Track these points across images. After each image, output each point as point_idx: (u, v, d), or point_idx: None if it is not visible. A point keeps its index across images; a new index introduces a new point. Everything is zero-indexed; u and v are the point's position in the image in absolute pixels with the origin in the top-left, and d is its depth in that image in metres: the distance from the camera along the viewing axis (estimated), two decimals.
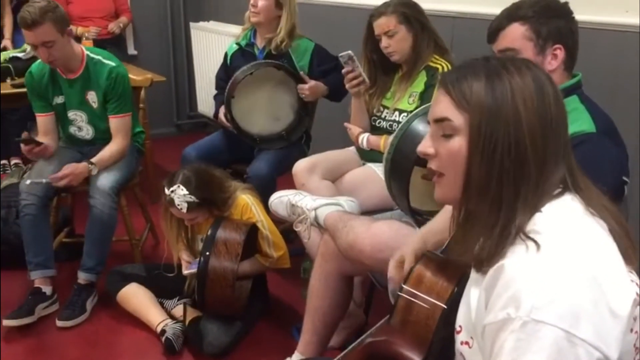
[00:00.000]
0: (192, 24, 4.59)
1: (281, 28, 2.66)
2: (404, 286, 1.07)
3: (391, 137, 1.77)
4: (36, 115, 2.64)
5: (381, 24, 2.19)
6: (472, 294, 0.96)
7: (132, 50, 4.64)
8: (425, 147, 0.99)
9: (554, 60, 1.50)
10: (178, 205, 2.18)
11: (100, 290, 2.51)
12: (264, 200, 2.25)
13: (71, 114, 2.60)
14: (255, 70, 2.57)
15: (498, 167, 0.90)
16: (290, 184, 2.32)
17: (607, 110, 1.55)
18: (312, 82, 2.62)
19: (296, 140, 2.76)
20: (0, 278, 2.63)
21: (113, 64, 2.56)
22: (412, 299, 1.05)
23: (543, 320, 0.82)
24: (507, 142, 0.89)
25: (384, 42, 2.20)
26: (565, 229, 0.90)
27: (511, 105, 0.89)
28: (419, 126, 1.68)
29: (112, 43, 4.09)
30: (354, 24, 2.91)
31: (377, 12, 2.21)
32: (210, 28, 4.35)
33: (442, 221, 1.41)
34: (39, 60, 2.56)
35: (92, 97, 2.56)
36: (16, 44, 3.86)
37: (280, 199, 2.04)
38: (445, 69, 2.18)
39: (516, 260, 0.87)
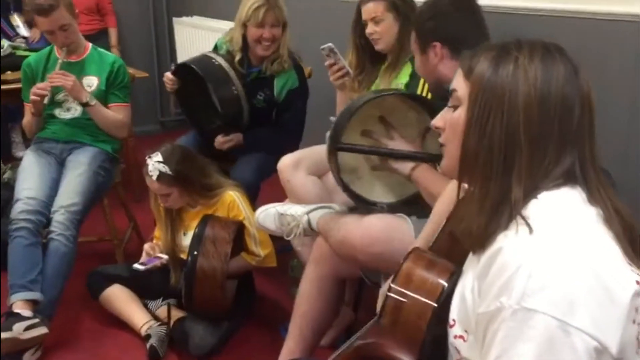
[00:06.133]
0: (175, 19, 4.52)
1: (281, 49, 2.54)
2: (392, 285, 1.02)
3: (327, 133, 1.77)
4: (25, 105, 2.62)
5: (369, 9, 2.15)
6: (467, 284, 0.93)
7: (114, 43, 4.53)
8: (435, 120, 1.01)
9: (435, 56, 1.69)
10: (150, 172, 2.15)
11: (82, 291, 2.44)
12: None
13: (62, 95, 2.55)
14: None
15: (489, 137, 0.89)
16: (274, 188, 2.26)
17: (604, 102, 1.51)
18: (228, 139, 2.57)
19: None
20: None
21: (114, 56, 2.69)
22: (402, 299, 1.01)
23: (534, 308, 0.79)
24: (499, 114, 0.88)
25: (369, 28, 2.16)
26: (562, 215, 0.87)
27: (510, 80, 0.89)
28: (344, 114, 1.67)
29: (94, 38, 4.00)
30: (338, 16, 2.87)
31: None
32: (193, 23, 4.29)
33: (437, 221, 1.37)
34: (34, 54, 2.65)
35: (88, 82, 2.57)
36: None
37: (267, 211, 2.00)
38: None
39: (509, 246, 0.85)
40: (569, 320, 0.78)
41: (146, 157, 2.20)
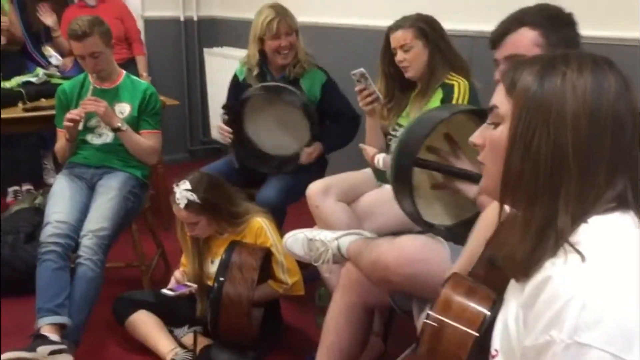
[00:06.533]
0: (205, 50, 4.59)
1: (299, 54, 2.63)
2: (430, 312, 0.98)
3: (392, 146, 1.70)
4: (59, 131, 2.66)
5: (397, 37, 2.14)
6: (510, 313, 0.87)
7: (141, 72, 4.61)
8: (474, 137, 0.96)
9: None
10: (177, 200, 2.14)
11: (109, 316, 2.43)
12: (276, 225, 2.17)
13: (94, 121, 2.59)
14: (269, 93, 2.53)
15: (534, 156, 0.84)
16: (302, 214, 2.23)
17: None
18: (309, 151, 2.61)
19: (307, 169, 2.66)
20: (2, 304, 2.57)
21: (147, 83, 2.75)
22: (440, 327, 0.96)
23: (589, 344, 0.73)
24: (545, 131, 0.83)
25: (399, 56, 2.16)
26: (615, 242, 0.81)
27: (558, 96, 0.83)
28: (416, 129, 1.58)
29: (124, 67, 4.07)
30: (366, 45, 2.88)
31: (395, 25, 2.17)
32: (223, 53, 4.35)
33: (478, 244, 1.32)
34: (68, 81, 2.74)
35: (121, 109, 2.62)
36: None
37: (296, 236, 1.97)
38: (462, 85, 2.12)
39: (558, 274, 0.79)
40: (626, 357, 0.73)
41: (173, 185, 2.20)
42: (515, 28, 1.46)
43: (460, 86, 2.11)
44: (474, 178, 1.46)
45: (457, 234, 1.57)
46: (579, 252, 0.79)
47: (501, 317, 0.91)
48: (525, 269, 0.84)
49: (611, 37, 1.85)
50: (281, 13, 2.58)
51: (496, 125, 0.92)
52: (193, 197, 2.13)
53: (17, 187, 3.98)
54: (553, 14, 1.46)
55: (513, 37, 1.46)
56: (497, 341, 0.90)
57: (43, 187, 3.70)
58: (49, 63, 3.96)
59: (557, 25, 1.44)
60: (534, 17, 1.44)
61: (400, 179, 1.55)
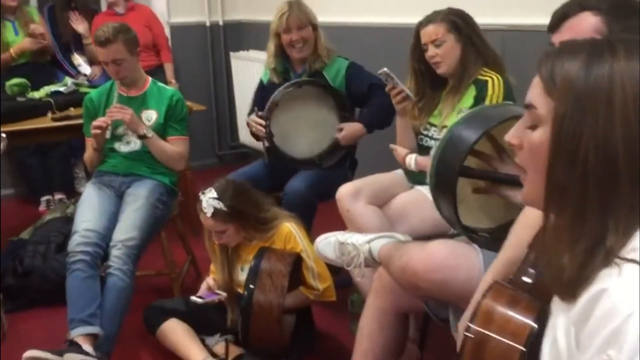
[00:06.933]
0: (232, 54, 4.57)
1: (319, 49, 2.61)
2: (471, 325, 0.91)
3: (432, 151, 1.62)
4: (87, 140, 2.66)
5: (429, 32, 2.08)
6: (559, 327, 0.80)
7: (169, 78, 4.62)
8: (509, 136, 0.86)
9: None
10: (204, 208, 2.10)
11: (140, 325, 2.41)
12: (306, 223, 2.11)
13: (122, 129, 2.58)
14: (299, 87, 2.52)
15: (581, 168, 0.74)
16: (333, 217, 2.17)
17: None
18: (348, 127, 2.56)
19: (337, 164, 2.64)
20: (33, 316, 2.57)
21: (173, 89, 2.73)
22: (483, 341, 0.89)
23: None
24: (593, 139, 0.73)
25: (430, 51, 2.08)
26: None
27: (606, 93, 0.73)
28: (462, 132, 1.48)
29: (151, 74, 4.08)
30: (391, 44, 2.82)
31: (426, 19, 2.10)
32: (250, 57, 4.32)
33: (517, 247, 1.24)
34: (97, 89, 2.75)
35: (147, 116, 2.61)
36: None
37: (327, 239, 1.92)
38: (496, 81, 2.04)
39: (615, 287, 0.71)
40: None
41: (199, 194, 2.16)
42: (575, 12, 1.34)
43: (494, 82, 2.03)
44: (521, 183, 1.38)
45: (500, 238, 1.47)
46: (636, 262, 0.71)
47: (549, 331, 0.83)
48: (572, 288, 0.76)
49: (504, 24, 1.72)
50: (294, 7, 2.58)
51: (534, 127, 0.82)
52: (220, 205, 2.10)
53: (49, 197, 4.02)
54: (619, 2, 1.35)
55: (572, 21, 1.34)
56: (546, 357, 0.83)
57: (75, 196, 3.72)
58: (78, 72, 4.00)
59: (622, 13, 1.32)
60: (597, 2, 1.33)
61: (442, 188, 1.48)
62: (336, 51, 2.68)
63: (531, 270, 0.98)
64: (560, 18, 1.36)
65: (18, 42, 3.76)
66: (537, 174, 0.82)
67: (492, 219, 1.55)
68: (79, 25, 4.00)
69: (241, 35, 4.79)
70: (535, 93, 0.82)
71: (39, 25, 3.80)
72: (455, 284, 1.44)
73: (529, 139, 0.83)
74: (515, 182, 1.39)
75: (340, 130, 2.58)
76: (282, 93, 2.54)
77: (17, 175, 4.24)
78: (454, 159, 1.43)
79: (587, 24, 1.32)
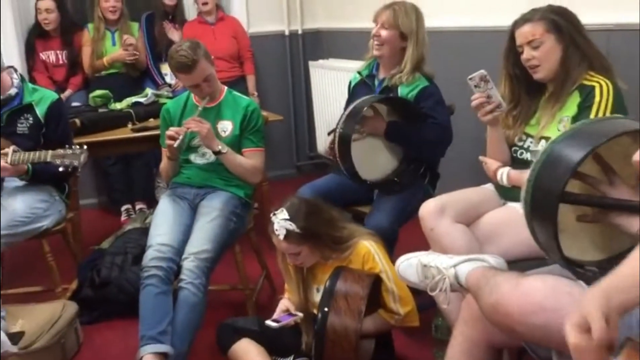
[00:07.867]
0: (310, 63, 4.51)
1: (406, 62, 2.41)
2: None
3: (528, 172, 1.41)
4: (163, 150, 2.65)
5: (525, 32, 1.89)
6: None
7: (251, 91, 4.63)
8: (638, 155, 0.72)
9: None
10: (276, 230, 2.00)
11: (212, 341, 2.32)
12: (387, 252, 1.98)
13: (197, 141, 2.54)
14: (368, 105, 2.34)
15: None
16: (414, 235, 2.02)
17: None
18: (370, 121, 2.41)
19: (415, 182, 2.46)
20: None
21: (249, 99, 2.65)
22: None
23: None
24: None
25: (526, 54, 1.90)
26: None
27: None
28: (563, 151, 1.28)
29: (233, 84, 4.08)
30: (484, 48, 2.63)
31: (522, 19, 1.91)
32: (329, 65, 4.25)
33: (630, 274, 1.05)
34: (173, 99, 2.73)
35: (223, 127, 2.55)
36: None
37: (409, 261, 1.77)
38: (605, 87, 1.82)
39: None
40: None
41: (270, 215, 2.07)
42: None
43: (602, 88, 1.81)
44: (636, 209, 1.18)
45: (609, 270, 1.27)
46: None
47: None
48: None
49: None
50: (395, 6, 2.42)
51: None
52: (292, 226, 1.99)
53: (129, 206, 4.08)
54: None
55: None
56: None
57: (155, 205, 3.74)
58: (165, 81, 4.08)
59: None
60: None
61: (540, 216, 1.29)
62: (425, 73, 2.46)
63: None
64: None
65: (113, 52, 3.92)
66: None
67: (601, 250, 1.35)
68: (174, 34, 4.11)
69: (320, 43, 4.74)
70: None
71: (132, 37, 3.95)
72: (558, 328, 1.23)
73: None
74: (628, 208, 1.20)
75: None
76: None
77: (100, 184, 4.35)
78: (553, 183, 1.24)
79: None
